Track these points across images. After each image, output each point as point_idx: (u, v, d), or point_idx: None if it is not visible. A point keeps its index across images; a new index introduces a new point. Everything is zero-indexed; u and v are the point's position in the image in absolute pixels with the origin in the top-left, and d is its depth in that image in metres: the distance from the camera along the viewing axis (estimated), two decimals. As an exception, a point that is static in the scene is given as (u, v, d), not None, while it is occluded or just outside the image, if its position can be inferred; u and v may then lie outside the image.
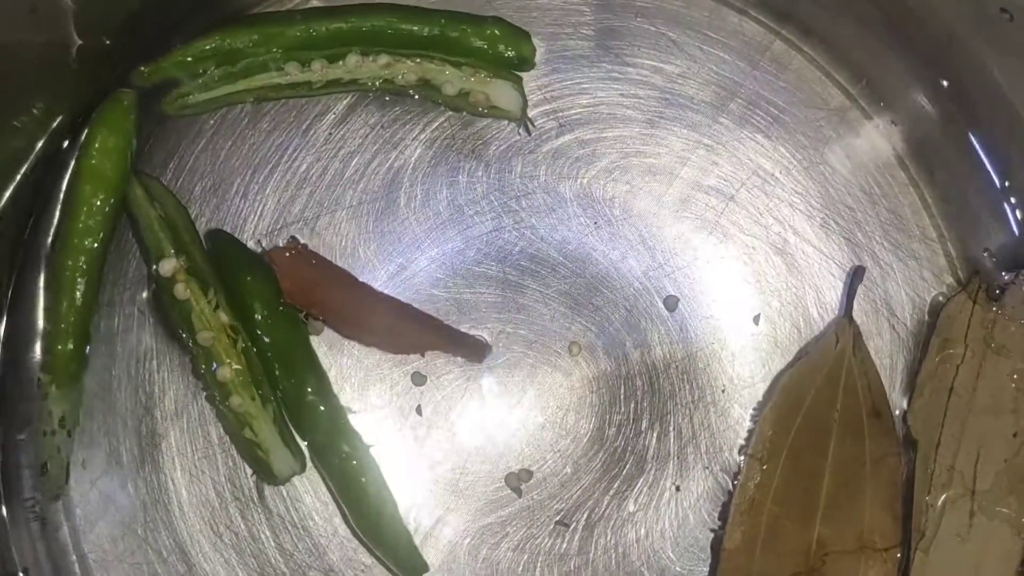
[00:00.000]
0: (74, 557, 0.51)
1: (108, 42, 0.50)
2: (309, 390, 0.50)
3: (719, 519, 0.53)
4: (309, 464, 0.51)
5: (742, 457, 0.53)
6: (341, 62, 0.51)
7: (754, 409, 0.53)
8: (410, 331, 0.52)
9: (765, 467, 0.51)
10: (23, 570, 0.51)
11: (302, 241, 0.53)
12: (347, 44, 0.51)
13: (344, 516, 0.52)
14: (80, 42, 0.48)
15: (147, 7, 0.50)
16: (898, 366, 0.54)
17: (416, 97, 0.53)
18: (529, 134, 0.54)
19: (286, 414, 0.51)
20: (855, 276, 0.54)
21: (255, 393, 0.50)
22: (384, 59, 0.51)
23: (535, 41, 0.54)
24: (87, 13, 0.48)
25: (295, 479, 0.52)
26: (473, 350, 0.52)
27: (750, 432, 0.53)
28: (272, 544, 0.52)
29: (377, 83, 0.52)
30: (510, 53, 0.52)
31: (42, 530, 0.51)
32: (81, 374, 0.50)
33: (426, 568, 0.51)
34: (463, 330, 0.53)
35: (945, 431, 0.51)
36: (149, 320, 0.52)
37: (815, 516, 0.51)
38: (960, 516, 0.50)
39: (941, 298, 0.54)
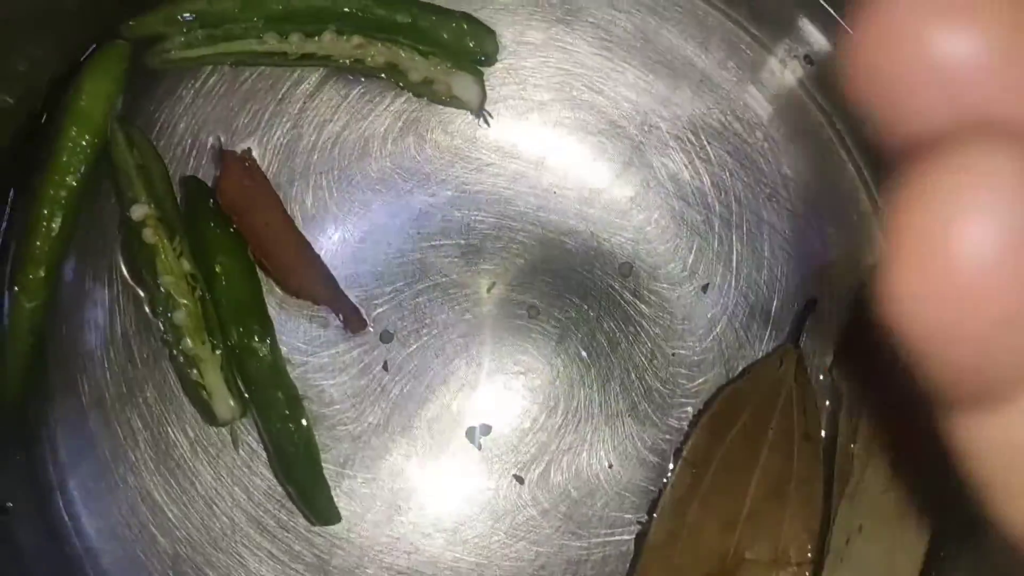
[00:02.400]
0: (58, 493, 0.55)
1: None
2: (255, 338, 0.54)
3: (646, 514, 0.56)
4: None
5: (675, 460, 0.55)
6: (317, 38, 0.54)
7: (693, 413, 0.56)
8: (306, 277, 0.55)
9: (695, 471, 0.54)
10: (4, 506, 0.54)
11: (257, 161, 0.55)
12: (324, 21, 0.54)
13: (271, 463, 0.55)
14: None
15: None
16: (832, 329, 0.58)
17: (384, 77, 0.56)
18: (488, 125, 0.56)
19: (232, 359, 0.54)
20: (806, 307, 0.57)
21: (206, 338, 0.53)
22: (357, 40, 0.54)
23: (499, 16, 0.57)
24: None
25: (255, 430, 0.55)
26: (350, 321, 0.55)
27: (686, 434, 0.56)
28: (243, 487, 0.55)
29: (348, 61, 0.55)
30: (474, 46, 0.55)
31: (28, 469, 0.54)
32: (47, 297, 0.53)
33: (338, 519, 0.54)
34: (425, 288, 0.56)
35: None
36: (118, 264, 0.55)
37: (736, 524, 0.54)
38: (884, 470, 0.53)
39: (873, 263, 0.57)
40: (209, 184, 0.55)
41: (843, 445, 0.54)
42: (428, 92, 0.56)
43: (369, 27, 0.55)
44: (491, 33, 0.56)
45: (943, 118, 0.17)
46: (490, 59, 0.56)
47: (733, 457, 0.54)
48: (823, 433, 0.55)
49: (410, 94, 0.56)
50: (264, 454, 0.55)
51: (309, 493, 0.54)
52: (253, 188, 0.54)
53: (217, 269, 0.54)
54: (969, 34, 0.17)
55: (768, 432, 0.54)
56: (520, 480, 0.56)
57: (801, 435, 0.54)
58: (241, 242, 0.55)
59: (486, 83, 0.56)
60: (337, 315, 0.55)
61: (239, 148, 0.56)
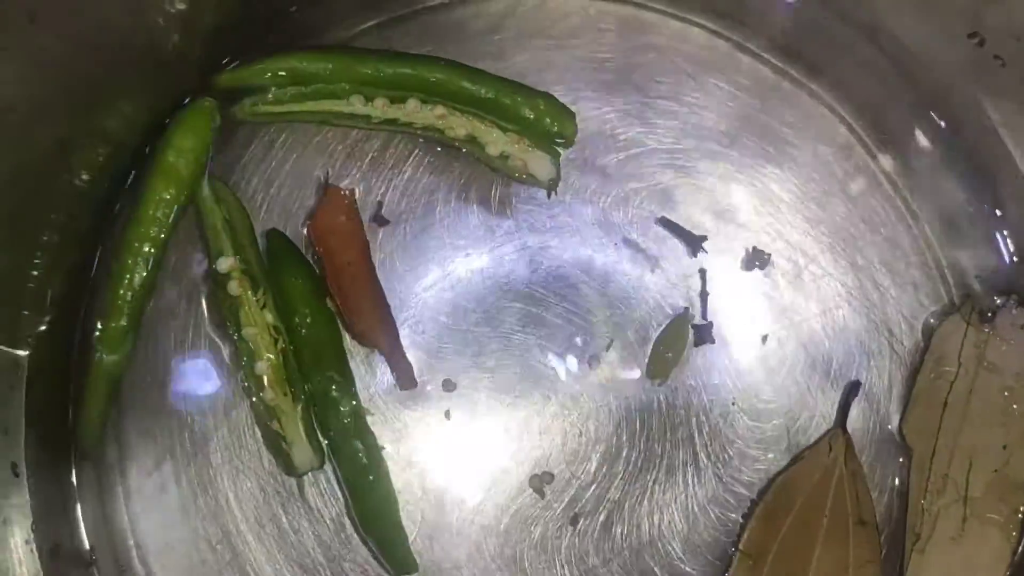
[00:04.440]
0: (132, 541, 0.55)
1: (198, 52, 0.54)
2: (334, 388, 0.54)
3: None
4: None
5: (733, 551, 0.55)
6: (401, 104, 0.55)
7: (733, 525, 0.56)
8: (372, 325, 0.55)
9: (752, 563, 0.54)
10: (91, 548, 0.54)
11: (357, 204, 0.56)
12: (410, 89, 0.55)
13: (348, 510, 0.55)
14: (176, 45, 0.52)
15: (239, 21, 0.55)
16: (896, 382, 0.58)
17: (461, 148, 0.57)
18: (548, 198, 0.57)
19: (312, 408, 0.54)
20: (851, 391, 0.57)
21: (287, 389, 0.54)
22: (440, 110, 0.55)
23: (562, 76, 0.58)
24: (189, 21, 0.52)
25: (333, 479, 0.55)
26: (402, 378, 0.56)
27: (742, 526, 0.56)
28: (311, 535, 0.56)
29: (429, 131, 0.56)
30: (554, 128, 0.56)
31: (103, 515, 0.55)
32: (128, 350, 0.54)
33: (416, 568, 0.55)
34: (488, 340, 0.57)
35: (940, 442, 0.54)
36: (202, 313, 0.56)
37: None
38: (954, 521, 0.53)
39: (932, 320, 0.58)
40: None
41: (914, 501, 0.54)
42: (504, 166, 0.56)
43: (453, 98, 0.56)
44: (572, 116, 0.56)
45: None
46: (568, 141, 0.57)
47: (789, 546, 0.54)
48: (876, 517, 0.55)
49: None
50: (336, 499, 0.56)
51: (388, 543, 0.55)
52: (346, 225, 0.55)
53: (298, 319, 0.55)
54: None
55: (823, 520, 0.54)
56: (574, 524, 0.56)
57: (856, 520, 0.54)
58: (322, 293, 0.55)
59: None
60: (395, 371, 0.56)
61: (304, 224, 0.56)
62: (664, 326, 0.57)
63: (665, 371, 0.57)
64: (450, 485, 0.56)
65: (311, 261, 0.56)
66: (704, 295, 0.58)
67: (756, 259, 0.58)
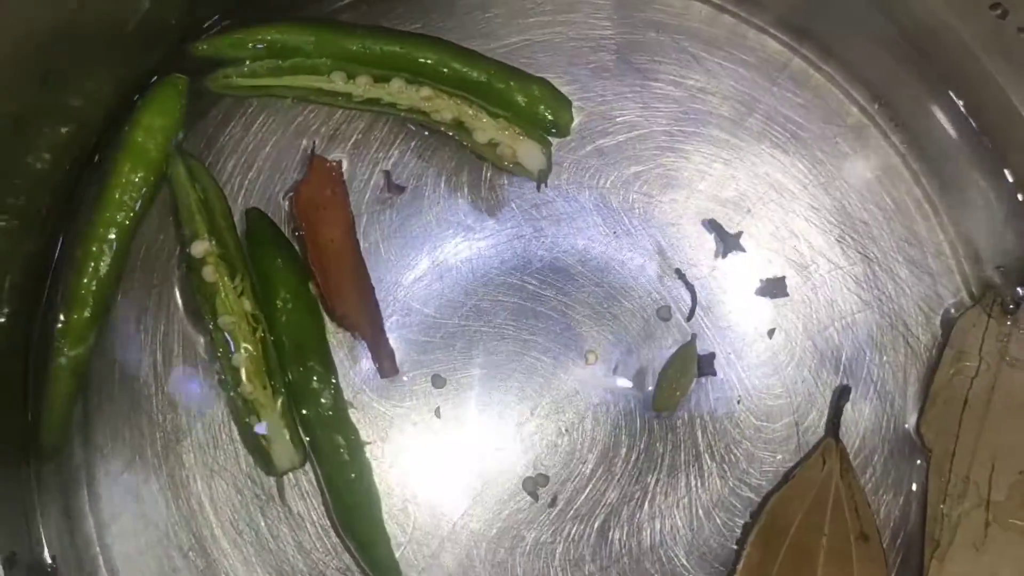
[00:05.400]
0: (98, 548, 0.52)
1: (174, 20, 0.51)
2: (315, 379, 0.51)
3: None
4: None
5: None
6: (385, 84, 0.52)
7: (740, 531, 0.53)
8: (354, 308, 0.52)
9: None
10: (52, 557, 0.51)
11: (344, 177, 0.53)
12: (396, 68, 0.52)
13: (328, 510, 0.52)
14: (145, 14, 0.49)
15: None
16: (911, 378, 0.55)
17: (447, 133, 0.54)
18: (538, 190, 0.54)
19: (291, 400, 0.52)
20: (840, 396, 0.54)
21: (267, 382, 0.51)
22: (426, 91, 0.52)
23: (557, 58, 0.55)
24: None
25: (315, 480, 0.52)
26: (383, 365, 0.53)
27: (736, 553, 0.53)
28: (291, 541, 0.53)
29: (413, 113, 0.53)
30: (548, 115, 0.53)
31: (67, 520, 0.52)
32: (92, 343, 0.51)
33: (398, 573, 0.52)
34: (479, 334, 0.54)
35: (960, 442, 0.51)
36: (175, 301, 0.53)
37: None
38: (975, 526, 0.51)
39: (953, 311, 0.55)
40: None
41: (933, 506, 0.51)
42: (491, 155, 0.53)
43: (442, 80, 0.53)
44: (568, 104, 0.53)
45: None
46: (563, 131, 0.54)
47: (788, 572, 0.51)
48: (886, 525, 0.52)
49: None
50: (317, 501, 0.53)
51: (368, 545, 0.52)
52: (332, 199, 0.53)
53: (279, 305, 0.51)
54: None
55: (822, 539, 0.51)
56: (570, 529, 0.53)
57: (857, 535, 0.51)
58: (304, 277, 0.52)
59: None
60: (376, 358, 0.53)
61: (287, 196, 0.54)
62: (669, 357, 0.54)
63: (672, 405, 0.54)
64: (439, 487, 0.53)
65: (292, 240, 0.53)
66: (694, 298, 0.55)
67: (772, 288, 0.55)
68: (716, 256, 0.55)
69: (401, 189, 0.54)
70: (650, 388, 0.54)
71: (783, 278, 0.55)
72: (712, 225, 0.55)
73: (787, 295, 0.55)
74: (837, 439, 0.53)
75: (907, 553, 0.53)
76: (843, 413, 0.54)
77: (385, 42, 0.52)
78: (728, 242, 0.55)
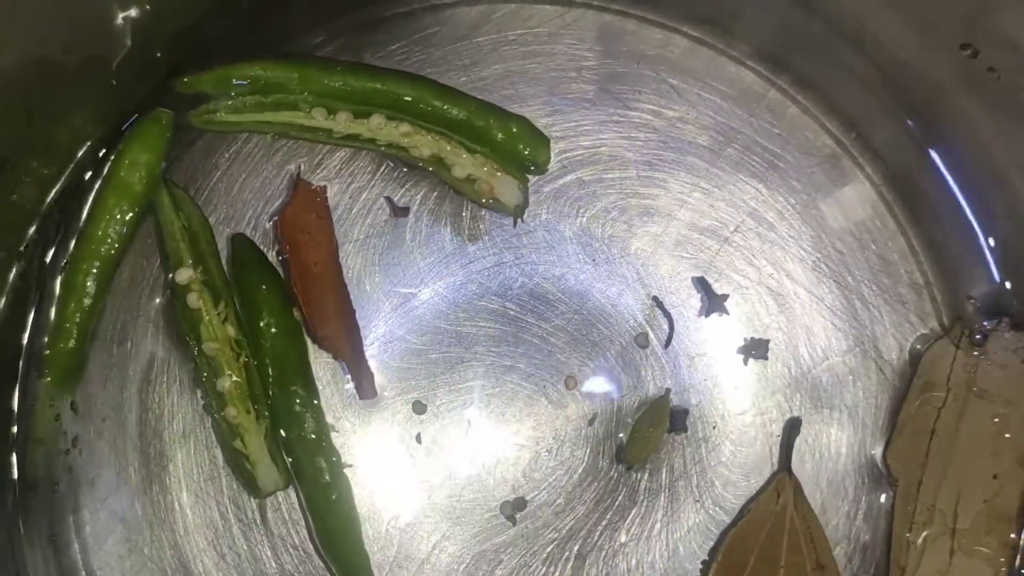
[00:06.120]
0: (84, 574, 0.53)
1: (159, 54, 0.52)
2: (298, 402, 0.52)
3: None
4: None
5: None
6: (365, 120, 0.53)
7: (700, 566, 0.54)
8: (335, 330, 0.53)
9: None
10: (35, 585, 0.52)
11: (330, 204, 0.54)
12: (376, 105, 0.53)
13: (309, 531, 0.53)
14: (128, 52, 0.50)
15: (200, 23, 0.53)
16: (882, 406, 0.56)
17: (426, 168, 0.55)
18: (514, 226, 0.55)
19: (275, 423, 0.52)
20: (792, 429, 0.55)
21: (250, 407, 0.52)
22: (406, 127, 0.53)
23: (538, 88, 0.56)
24: (147, 24, 0.50)
25: (296, 505, 0.53)
26: (362, 387, 0.54)
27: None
28: (273, 565, 0.54)
29: (392, 148, 0.54)
30: (526, 153, 0.54)
31: (53, 547, 0.53)
32: (78, 373, 0.52)
33: None
34: (460, 361, 0.55)
35: (927, 471, 0.52)
36: (160, 329, 0.54)
37: None
38: (940, 554, 0.52)
39: (920, 345, 0.56)
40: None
41: (899, 533, 0.52)
42: (469, 190, 0.54)
43: (421, 116, 0.53)
44: (546, 142, 0.54)
45: None
46: (540, 168, 0.55)
47: None
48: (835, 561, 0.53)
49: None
50: (299, 525, 0.54)
51: (349, 566, 0.53)
52: (316, 223, 0.53)
53: (263, 329, 0.52)
54: None
55: (779, 571, 0.52)
56: (546, 553, 0.54)
57: (814, 566, 0.52)
58: (288, 302, 0.53)
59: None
60: (355, 380, 0.54)
61: (272, 219, 0.55)
62: (643, 410, 0.55)
63: (643, 459, 0.55)
64: (419, 511, 0.54)
65: (277, 264, 0.54)
66: (671, 326, 0.56)
67: (753, 348, 0.56)
68: (699, 315, 0.56)
69: (405, 211, 0.55)
70: (624, 420, 0.55)
71: (767, 341, 0.56)
72: (701, 284, 0.56)
73: (767, 358, 0.56)
74: (790, 472, 0.54)
75: (875, 580, 0.55)
76: (793, 445, 0.54)
77: (366, 79, 0.53)
78: (713, 302, 0.56)
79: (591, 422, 0.55)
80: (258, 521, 0.54)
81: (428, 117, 0.53)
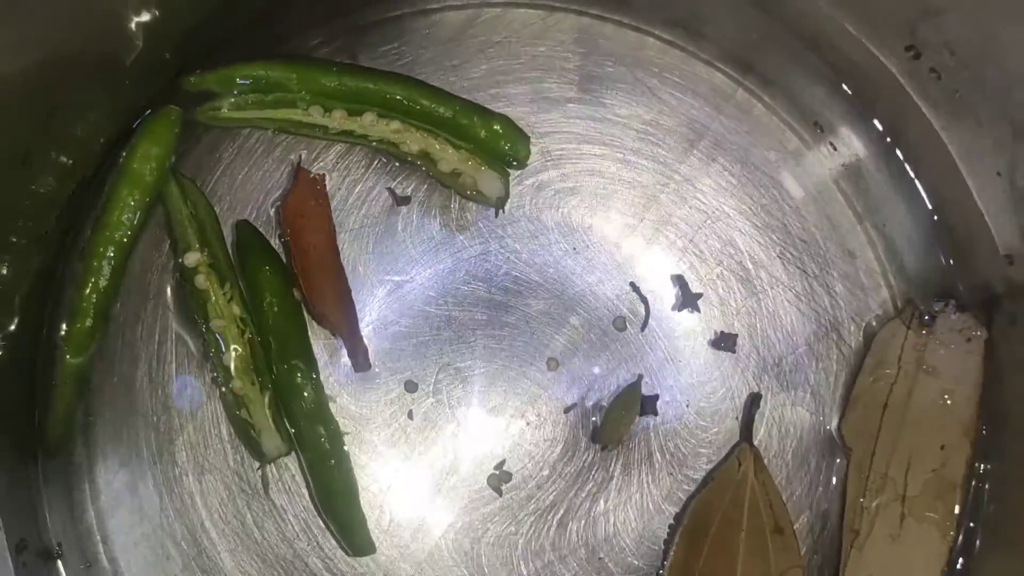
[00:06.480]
0: (98, 537, 0.56)
1: (168, 55, 0.56)
2: (299, 375, 0.56)
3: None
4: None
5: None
6: (359, 117, 0.57)
7: (668, 530, 0.57)
8: (332, 307, 0.57)
9: None
10: (57, 544, 0.56)
11: (327, 189, 0.58)
12: (369, 103, 0.57)
13: (311, 493, 0.57)
14: (140, 53, 0.53)
15: (206, 27, 0.56)
16: (839, 382, 0.59)
17: (414, 163, 0.58)
18: (496, 216, 0.58)
19: (277, 395, 0.56)
20: (752, 403, 0.58)
21: (254, 379, 0.55)
22: (396, 125, 0.57)
23: (521, 88, 0.59)
24: (157, 27, 0.53)
25: (297, 476, 0.57)
26: (357, 361, 0.57)
27: (664, 551, 0.57)
28: (274, 532, 0.57)
29: (383, 144, 0.57)
30: (508, 149, 0.57)
31: (70, 512, 0.56)
32: (94, 350, 0.56)
33: (373, 549, 0.56)
34: (449, 343, 0.58)
35: (879, 442, 0.56)
36: (170, 310, 0.57)
37: None
38: (892, 518, 0.55)
39: (875, 323, 0.59)
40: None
41: (853, 499, 0.55)
42: (454, 183, 0.58)
43: (410, 115, 0.57)
44: (526, 139, 0.58)
45: None
46: (521, 163, 0.58)
47: (712, 566, 0.55)
48: (792, 523, 0.56)
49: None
50: (298, 495, 0.57)
51: (347, 526, 0.56)
52: (315, 208, 0.57)
53: (265, 308, 0.56)
54: None
55: (740, 535, 0.55)
56: (531, 522, 0.58)
57: (772, 529, 0.55)
58: (289, 283, 0.57)
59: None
60: (351, 353, 0.57)
61: (274, 205, 0.59)
62: (616, 395, 0.58)
63: (615, 440, 0.58)
64: (410, 482, 0.58)
65: (279, 246, 0.58)
66: (647, 311, 0.59)
67: (723, 341, 0.59)
68: (673, 309, 0.59)
69: (407, 200, 0.58)
70: (603, 399, 0.59)
71: (735, 336, 0.59)
72: (678, 281, 0.59)
73: (734, 352, 0.59)
74: (751, 443, 0.57)
75: (830, 544, 0.58)
76: (754, 419, 0.58)
77: (360, 79, 0.57)
78: (687, 299, 0.59)
79: (571, 402, 0.58)
80: (261, 492, 0.57)
81: (417, 115, 0.57)
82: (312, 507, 0.57)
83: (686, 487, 0.58)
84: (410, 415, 0.58)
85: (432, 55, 0.60)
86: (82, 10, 0.49)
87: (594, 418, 0.58)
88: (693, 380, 0.59)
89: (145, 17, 0.52)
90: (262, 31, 0.58)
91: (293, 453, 0.57)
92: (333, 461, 0.56)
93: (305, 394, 0.56)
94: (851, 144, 0.61)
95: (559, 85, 0.60)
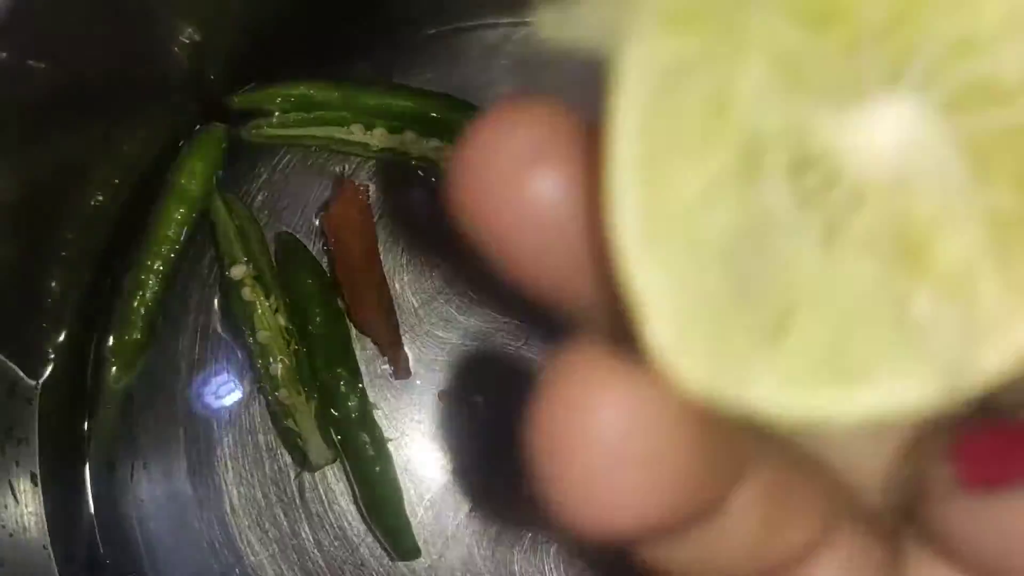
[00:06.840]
0: (143, 549, 0.58)
1: (212, 76, 0.57)
2: (343, 383, 0.57)
3: None
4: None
5: None
6: (399, 135, 0.58)
7: None
8: (374, 314, 0.58)
9: None
10: (103, 552, 0.57)
11: (370, 200, 0.59)
12: (408, 121, 0.58)
13: (355, 498, 0.58)
14: (187, 73, 0.55)
15: (250, 49, 0.58)
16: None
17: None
18: None
19: (322, 403, 0.57)
20: None
21: (300, 389, 0.57)
22: (435, 142, 0.58)
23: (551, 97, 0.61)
24: (203, 49, 0.55)
25: (332, 485, 0.58)
26: (397, 368, 0.58)
27: None
28: (311, 540, 0.58)
29: (422, 161, 0.59)
30: None
31: (115, 522, 0.58)
32: (141, 362, 0.57)
33: (418, 553, 0.57)
34: (485, 352, 0.60)
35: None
36: (211, 322, 0.59)
37: None
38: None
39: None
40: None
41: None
42: None
43: (447, 133, 0.59)
44: None
45: (546, 267, 0.18)
46: None
47: None
48: None
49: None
50: (335, 504, 0.58)
51: (394, 531, 0.57)
52: (358, 218, 0.58)
53: (309, 319, 0.58)
54: (555, 182, 0.17)
55: None
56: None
57: None
58: (331, 292, 0.58)
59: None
60: (392, 361, 0.58)
61: (317, 215, 0.60)
62: None
63: None
64: (444, 490, 0.59)
65: (321, 254, 0.59)
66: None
67: None
68: None
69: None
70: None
71: None
72: None
73: None
74: None
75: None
76: None
77: (400, 98, 0.59)
78: None
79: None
80: (297, 501, 0.58)
81: (453, 132, 0.59)
82: (348, 516, 0.58)
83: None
84: (443, 424, 0.59)
85: (463, 74, 0.61)
86: (132, 38, 0.51)
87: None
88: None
89: (191, 40, 0.54)
90: (303, 51, 0.60)
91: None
92: (379, 468, 0.57)
93: (350, 403, 0.57)
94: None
95: (590, 98, 0.61)
